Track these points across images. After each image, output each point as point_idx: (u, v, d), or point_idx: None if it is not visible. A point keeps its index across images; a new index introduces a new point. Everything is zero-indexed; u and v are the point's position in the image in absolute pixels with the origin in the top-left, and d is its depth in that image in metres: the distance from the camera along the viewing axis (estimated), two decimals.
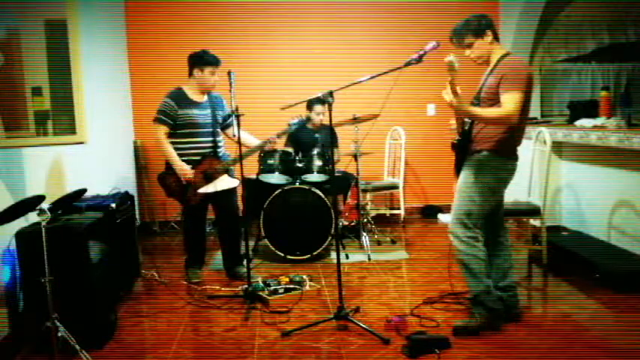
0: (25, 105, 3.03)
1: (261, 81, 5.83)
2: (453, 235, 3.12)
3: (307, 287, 3.78)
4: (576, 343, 2.94)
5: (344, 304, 3.21)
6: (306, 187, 4.58)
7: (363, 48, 5.97)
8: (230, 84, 3.62)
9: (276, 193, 4.52)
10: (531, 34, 5.61)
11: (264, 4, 5.90)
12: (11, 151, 3.10)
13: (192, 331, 3.30)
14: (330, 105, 3.22)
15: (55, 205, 2.76)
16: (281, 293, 3.67)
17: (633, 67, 5.91)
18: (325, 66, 5.87)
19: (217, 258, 4.56)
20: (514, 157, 3.13)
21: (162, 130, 4.00)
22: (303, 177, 4.65)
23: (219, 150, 4.13)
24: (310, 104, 5.10)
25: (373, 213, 5.69)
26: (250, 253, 4.11)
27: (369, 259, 4.59)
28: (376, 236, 5.19)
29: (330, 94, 3.18)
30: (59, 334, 2.63)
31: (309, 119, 4.53)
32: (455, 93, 2.87)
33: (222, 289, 3.93)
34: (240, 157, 3.66)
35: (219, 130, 4.17)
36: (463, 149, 3.15)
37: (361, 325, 3.10)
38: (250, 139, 4.19)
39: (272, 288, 3.72)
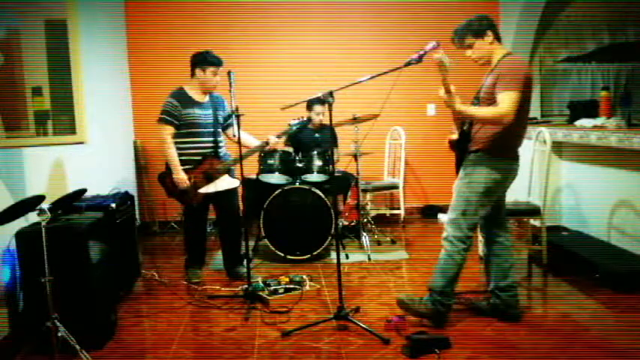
0: (25, 105, 3.03)
1: (261, 81, 5.83)
2: (444, 231, 3.16)
3: (307, 287, 3.78)
4: (576, 343, 2.94)
5: (344, 304, 3.21)
6: (306, 187, 4.57)
7: (363, 48, 5.97)
8: (230, 84, 3.62)
9: (276, 193, 4.52)
10: (531, 34, 5.60)
11: (264, 4, 5.90)
12: (11, 151, 3.10)
13: (192, 331, 3.30)
14: (330, 105, 3.22)
15: (55, 205, 2.76)
16: (281, 293, 3.67)
17: (633, 67, 5.90)
18: (325, 66, 5.88)
19: (217, 258, 4.56)
20: (511, 158, 3.11)
21: (168, 131, 3.99)
22: (303, 177, 4.65)
23: (220, 150, 4.12)
24: (310, 104, 5.10)
25: (373, 213, 5.68)
26: (250, 253, 4.11)
27: (369, 259, 4.59)
28: (376, 236, 5.19)
29: (330, 94, 3.18)
30: (59, 334, 2.63)
31: (309, 120, 4.54)
32: (448, 91, 2.87)
33: (223, 289, 3.93)
34: (241, 158, 3.66)
35: (220, 130, 4.17)
36: (461, 149, 3.15)
37: (361, 325, 3.10)
38: (250, 140, 4.19)
39: (272, 288, 3.72)
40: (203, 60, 4.02)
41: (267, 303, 3.56)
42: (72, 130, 3.30)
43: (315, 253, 4.54)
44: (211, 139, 4.09)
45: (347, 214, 5.16)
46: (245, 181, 3.84)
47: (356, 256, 4.66)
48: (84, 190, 3.04)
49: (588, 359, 2.79)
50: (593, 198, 4.73)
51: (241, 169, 3.65)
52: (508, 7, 5.77)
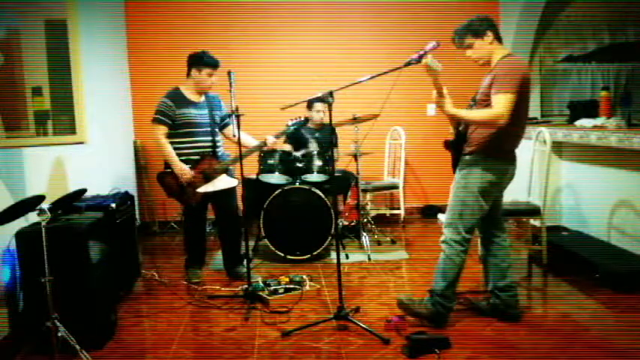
0: (25, 105, 3.04)
1: (261, 81, 5.83)
2: (443, 234, 3.16)
3: (307, 287, 3.78)
4: (576, 343, 2.94)
5: (344, 304, 3.21)
6: (306, 187, 4.57)
7: (363, 48, 5.97)
8: (230, 84, 3.62)
9: (276, 193, 4.52)
10: (531, 34, 5.60)
11: (264, 4, 5.90)
12: (11, 151, 3.10)
13: (192, 331, 3.30)
14: (330, 105, 3.22)
15: (55, 205, 2.76)
16: (281, 293, 3.67)
17: (633, 67, 5.90)
18: (325, 66, 5.88)
19: (217, 258, 4.56)
20: (506, 159, 3.10)
21: (162, 131, 3.99)
22: (303, 177, 4.65)
23: (218, 150, 4.12)
24: (310, 103, 5.11)
25: (373, 213, 5.68)
26: (250, 253, 4.11)
27: (369, 259, 4.59)
28: (376, 236, 5.19)
29: (330, 94, 3.18)
30: (59, 334, 2.63)
31: (307, 120, 4.54)
32: (440, 94, 2.87)
33: (222, 289, 3.93)
34: (240, 157, 3.66)
35: (217, 130, 4.17)
36: (457, 149, 3.15)
37: (361, 325, 3.10)
38: (248, 140, 4.19)
39: (272, 288, 3.72)
40: (199, 60, 4.01)
41: (267, 303, 3.56)
42: (72, 130, 3.31)
43: (315, 253, 4.54)
44: (209, 138, 4.08)
45: (347, 214, 5.16)
46: (245, 181, 3.84)
47: (356, 256, 4.66)
48: (84, 190, 3.04)
49: (588, 359, 2.79)
50: (593, 198, 4.73)
51: (241, 169, 3.65)
52: (508, 7, 5.77)
